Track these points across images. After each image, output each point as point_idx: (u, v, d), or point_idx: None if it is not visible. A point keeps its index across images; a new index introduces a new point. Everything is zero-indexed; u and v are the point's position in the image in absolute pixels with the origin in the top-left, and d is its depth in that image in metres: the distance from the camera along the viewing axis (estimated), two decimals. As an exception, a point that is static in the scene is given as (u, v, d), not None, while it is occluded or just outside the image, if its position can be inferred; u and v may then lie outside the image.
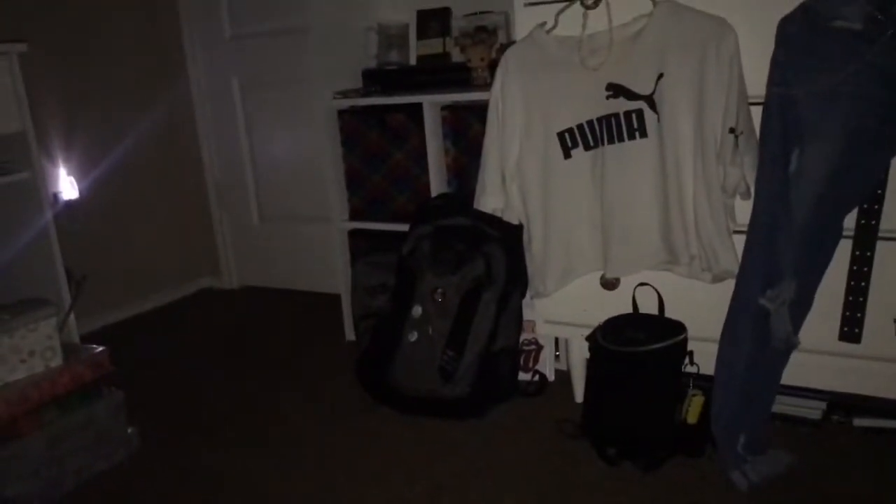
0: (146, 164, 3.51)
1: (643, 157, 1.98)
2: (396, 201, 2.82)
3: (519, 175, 2.18)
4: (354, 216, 2.93)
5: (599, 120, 2.01)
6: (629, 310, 2.19)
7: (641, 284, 2.15)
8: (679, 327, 2.05)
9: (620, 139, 1.99)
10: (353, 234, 2.96)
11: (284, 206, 3.63)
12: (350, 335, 3.00)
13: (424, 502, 1.94)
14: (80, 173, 3.24)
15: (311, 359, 2.93)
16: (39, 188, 2.31)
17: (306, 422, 2.42)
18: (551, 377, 2.55)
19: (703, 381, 2.05)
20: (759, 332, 1.81)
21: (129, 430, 2.28)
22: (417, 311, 2.42)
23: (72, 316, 2.35)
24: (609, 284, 2.21)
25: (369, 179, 2.86)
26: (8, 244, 2.42)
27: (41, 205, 2.33)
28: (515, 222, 2.25)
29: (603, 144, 2.02)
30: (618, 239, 2.07)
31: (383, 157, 2.81)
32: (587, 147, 2.06)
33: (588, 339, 2.18)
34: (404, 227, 2.62)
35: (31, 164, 2.28)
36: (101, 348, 2.25)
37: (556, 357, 2.60)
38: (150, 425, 2.39)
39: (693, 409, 2.07)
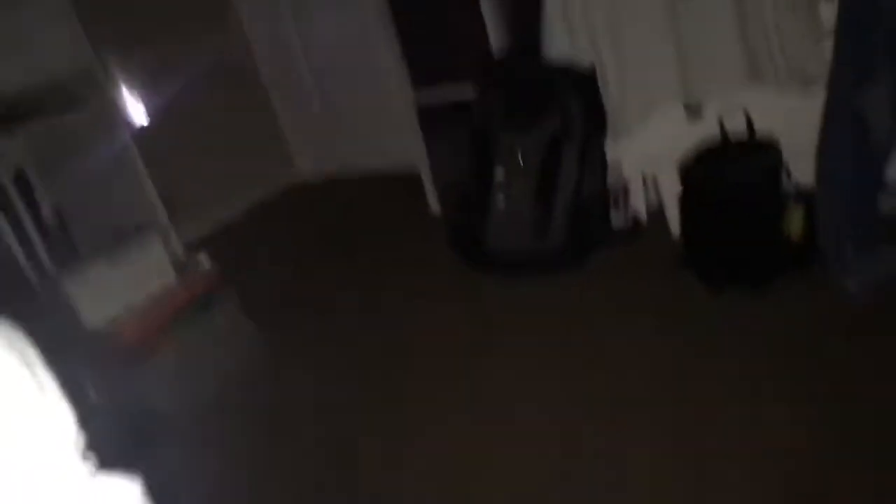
0: (205, 81, 3.51)
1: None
2: (459, 66, 2.77)
3: (585, 14, 2.10)
4: (419, 88, 2.90)
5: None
6: (717, 138, 2.12)
7: (728, 108, 2.08)
8: (771, 146, 1.99)
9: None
10: (422, 109, 2.94)
11: (345, 89, 3.60)
12: (435, 208, 3.03)
13: (550, 352, 2.00)
14: (145, 99, 3.27)
15: (403, 237, 2.98)
16: (116, 116, 2.37)
17: (412, 301, 2.50)
18: (644, 215, 2.53)
19: (803, 195, 2.01)
20: (856, 132, 1.75)
21: (250, 330, 2.40)
22: (500, 172, 2.42)
23: (172, 234, 2.44)
24: (693, 112, 2.15)
25: (428, 48, 2.80)
26: (97, 174, 2.51)
27: (123, 133, 2.39)
28: (587, 65, 2.18)
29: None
30: (697, 60, 1.99)
31: (438, 23, 2.74)
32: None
33: (679, 171, 2.14)
34: (471, 92, 2.58)
35: (105, 98, 2.33)
36: (207, 259, 2.35)
37: (646, 194, 2.57)
38: (267, 323, 2.51)
39: (795, 223, 2.03)
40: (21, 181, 2.44)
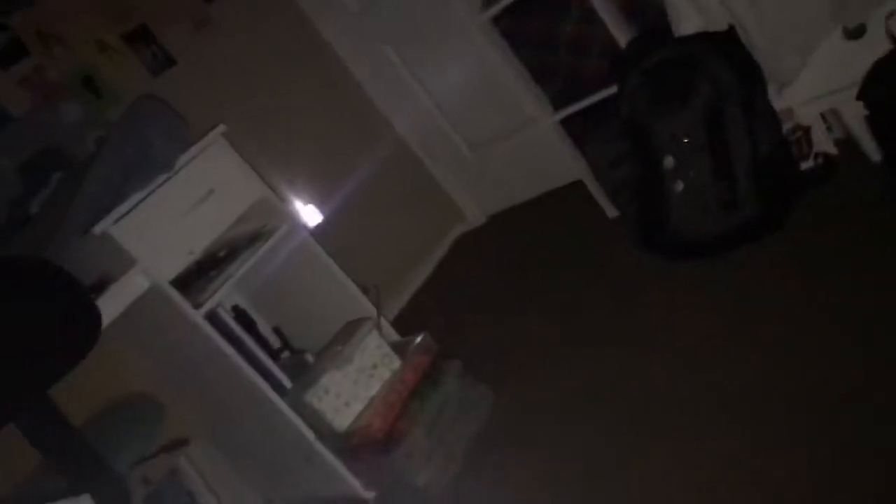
0: (358, 161, 3.68)
1: None
2: (589, 70, 2.74)
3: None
4: (558, 104, 2.89)
5: None
6: (888, 49, 1.96)
7: (891, 16, 1.92)
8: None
9: None
10: (566, 120, 2.92)
11: (486, 128, 3.64)
12: (611, 212, 2.99)
13: (769, 328, 1.91)
14: (313, 199, 3.48)
15: (589, 247, 2.95)
16: (299, 231, 2.53)
17: (615, 307, 2.47)
18: (834, 150, 2.37)
19: None
20: None
21: (483, 392, 2.45)
22: (669, 161, 2.35)
23: (382, 319, 2.56)
24: (854, 33, 2.00)
25: (552, 63, 2.80)
26: (298, 285, 2.69)
27: (308, 242, 2.55)
28: (723, 28, 2.09)
29: None
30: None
31: (554, 35, 2.73)
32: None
33: (860, 95, 1.99)
34: (611, 90, 2.54)
35: (284, 216, 2.50)
36: (422, 334, 2.44)
37: (829, 130, 2.41)
38: (494, 375, 2.55)
39: None
40: (239, 315, 2.66)
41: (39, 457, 1.87)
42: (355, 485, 2.31)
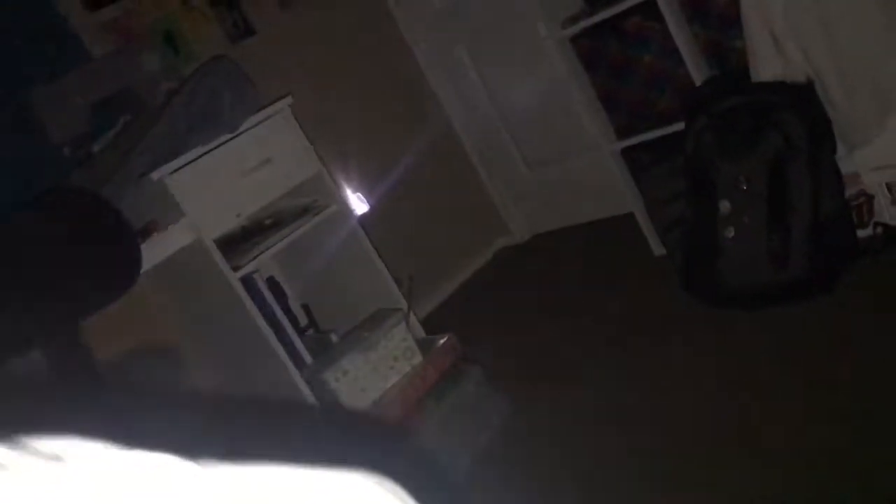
0: (413, 158, 3.70)
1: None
2: (660, 104, 2.72)
3: (790, 27, 2.00)
4: (622, 134, 2.87)
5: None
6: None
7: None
8: None
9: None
10: (627, 151, 2.91)
11: (546, 146, 3.65)
12: (657, 249, 2.96)
13: (804, 385, 1.88)
14: (363, 188, 3.51)
15: (631, 281, 2.93)
16: (347, 215, 2.55)
17: (648, 340, 2.44)
18: (894, 223, 2.32)
19: None
20: None
21: (500, 400, 2.44)
22: (725, 206, 2.33)
23: (412, 315, 2.57)
24: (936, 106, 1.96)
25: (624, 93, 2.79)
26: (335, 267, 2.71)
27: (353, 227, 2.57)
28: (802, 80, 2.07)
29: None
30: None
31: (630, 65, 2.72)
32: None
33: (931, 171, 1.95)
34: (678, 128, 2.52)
35: (334, 197, 2.52)
36: (447, 335, 2.44)
37: (893, 201, 2.36)
38: (512, 389, 2.54)
39: None
40: (273, 287, 2.69)
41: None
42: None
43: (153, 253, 2.14)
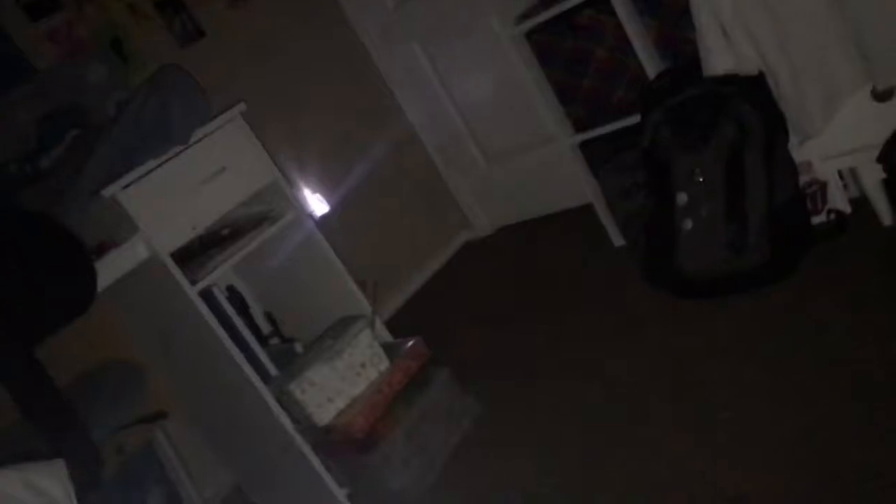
0: (372, 157, 3.67)
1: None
2: (615, 97, 2.73)
3: (740, 20, 2.01)
4: (579, 127, 2.88)
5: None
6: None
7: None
8: None
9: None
10: (584, 144, 2.92)
11: (505, 140, 3.64)
12: (617, 240, 2.98)
13: (766, 373, 1.91)
14: (322, 189, 3.47)
15: (593, 272, 2.94)
16: (305, 221, 2.52)
17: (612, 334, 2.46)
18: (847, 208, 2.37)
19: None
20: None
21: (468, 402, 2.44)
22: (682, 198, 2.34)
23: (377, 319, 2.55)
24: (883, 95, 1.99)
25: (579, 87, 2.78)
26: (296, 274, 2.68)
27: (312, 233, 2.54)
28: (753, 73, 2.09)
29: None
30: (877, 41, 1.86)
31: (585, 59, 2.72)
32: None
33: (880, 158, 1.99)
34: (633, 120, 2.53)
35: (291, 204, 2.49)
36: (414, 338, 2.43)
37: (844, 187, 2.40)
38: (480, 387, 2.55)
39: None
40: (233, 296, 2.65)
41: (16, 415, 1.86)
42: (328, 480, 2.30)
43: (109, 271, 2.10)
